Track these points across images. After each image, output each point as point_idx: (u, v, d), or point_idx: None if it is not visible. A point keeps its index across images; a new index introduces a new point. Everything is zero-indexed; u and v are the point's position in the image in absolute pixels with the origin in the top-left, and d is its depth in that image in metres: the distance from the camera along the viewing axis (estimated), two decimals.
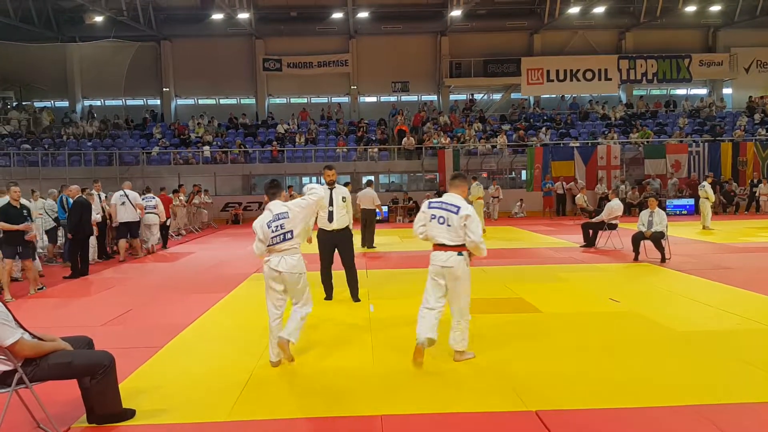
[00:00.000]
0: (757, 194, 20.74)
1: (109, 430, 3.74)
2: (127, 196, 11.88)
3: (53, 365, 3.57)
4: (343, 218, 7.17)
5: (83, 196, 10.40)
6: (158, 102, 27.32)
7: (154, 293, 8.33)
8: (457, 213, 4.71)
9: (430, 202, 4.95)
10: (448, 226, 4.73)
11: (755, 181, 21.52)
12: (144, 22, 23.91)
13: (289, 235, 4.84)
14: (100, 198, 12.10)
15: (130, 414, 3.86)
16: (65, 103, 27.01)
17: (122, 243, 11.94)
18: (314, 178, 21.73)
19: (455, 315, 4.89)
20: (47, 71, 25.92)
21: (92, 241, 10.97)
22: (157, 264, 11.46)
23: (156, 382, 4.58)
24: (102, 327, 6.37)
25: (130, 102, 27.32)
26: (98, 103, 27.28)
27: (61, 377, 3.64)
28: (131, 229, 12.05)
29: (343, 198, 7.21)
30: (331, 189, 7.16)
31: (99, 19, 22.71)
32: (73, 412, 3.92)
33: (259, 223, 4.90)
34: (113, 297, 8.15)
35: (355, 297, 7.43)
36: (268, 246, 4.88)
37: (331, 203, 7.10)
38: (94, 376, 3.63)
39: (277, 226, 4.82)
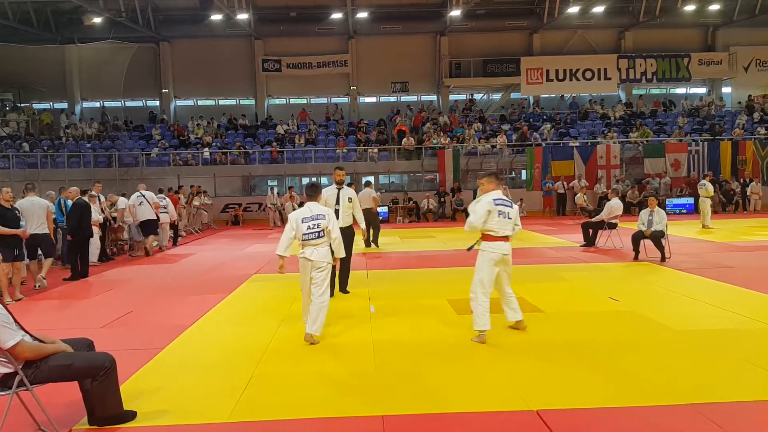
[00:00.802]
0: (748, 193, 20.73)
1: None
2: (144, 196, 12.33)
3: (54, 367, 3.56)
4: (347, 217, 7.59)
5: (83, 197, 10.39)
6: (157, 103, 27.31)
7: (154, 295, 8.33)
8: (512, 207, 5.58)
9: (495, 200, 5.47)
10: (508, 219, 5.49)
11: (747, 180, 21.48)
12: (143, 23, 23.89)
13: (322, 234, 5.64)
14: (100, 199, 12.11)
15: (131, 416, 3.86)
16: (64, 105, 26.99)
17: (150, 239, 12.51)
18: (315, 179, 21.69)
19: (507, 292, 5.67)
20: (46, 73, 25.97)
21: (95, 242, 10.97)
22: (157, 265, 11.45)
23: (157, 384, 4.57)
24: (102, 329, 6.37)
25: (129, 103, 27.30)
26: (97, 104, 27.27)
27: (61, 379, 3.63)
28: (150, 226, 12.46)
29: (349, 198, 7.66)
30: (338, 189, 7.64)
31: (98, 20, 22.68)
32: (74, 414, 3.92)
33: (295, 216, 5.68)
34: (113, 298, 8.14)
35: (343, 289, 7.84)
36: (302, 241, 5.59)
37: (337, 202, 7.53)
38: (95, 378, 3.63)
39: (313, 225, 5.59)
